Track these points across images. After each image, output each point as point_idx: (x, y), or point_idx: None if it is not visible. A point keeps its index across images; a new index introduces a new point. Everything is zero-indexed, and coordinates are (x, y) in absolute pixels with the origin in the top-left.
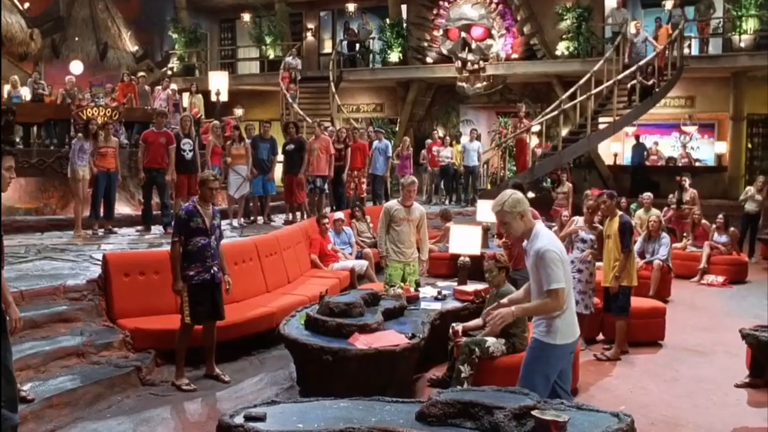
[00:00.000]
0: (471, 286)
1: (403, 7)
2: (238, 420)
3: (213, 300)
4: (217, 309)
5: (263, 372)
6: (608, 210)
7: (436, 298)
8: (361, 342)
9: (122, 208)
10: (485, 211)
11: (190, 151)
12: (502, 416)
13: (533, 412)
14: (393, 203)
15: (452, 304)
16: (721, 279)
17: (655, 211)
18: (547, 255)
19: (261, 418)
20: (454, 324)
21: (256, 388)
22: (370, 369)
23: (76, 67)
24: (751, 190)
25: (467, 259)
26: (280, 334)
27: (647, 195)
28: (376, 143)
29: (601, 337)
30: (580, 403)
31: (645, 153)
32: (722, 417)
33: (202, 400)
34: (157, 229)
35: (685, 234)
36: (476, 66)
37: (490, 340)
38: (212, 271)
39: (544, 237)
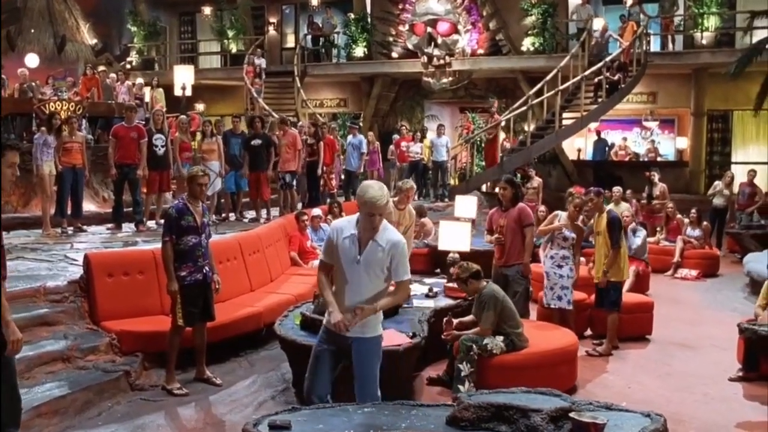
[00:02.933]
0: None
1: (368, 2)
2: (263, 429)
3: (205, 301)
4: (208, 310)
5: (254, 374)
6: (596, 207)
7: (427, 296)
8: None
9: (87, 205)
10: (463, 206)
11: (162, 146)
12: (539, 419)
13: (571, 414)
14: (389, 205)
15: (445, 302)
16: (694, 273)
17: (624, 205)
18: (403, 247)
19: (287, 427)
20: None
21: (249, 391)
22: None
23: (32, 60)
24: (719, 184)
25: (456, 255)
26: (273, 334)
27: (616, 189)
28: (350, 138)
29: (589, 332)
30: (608, 402)
31: (606, 148)
32: (723, 412)
33: (196, 404)
34: (128, 227)
35: (658, 228)
36: (442, 61)
37: (488, 338)
38: (204, 271)
39: (393, 230)
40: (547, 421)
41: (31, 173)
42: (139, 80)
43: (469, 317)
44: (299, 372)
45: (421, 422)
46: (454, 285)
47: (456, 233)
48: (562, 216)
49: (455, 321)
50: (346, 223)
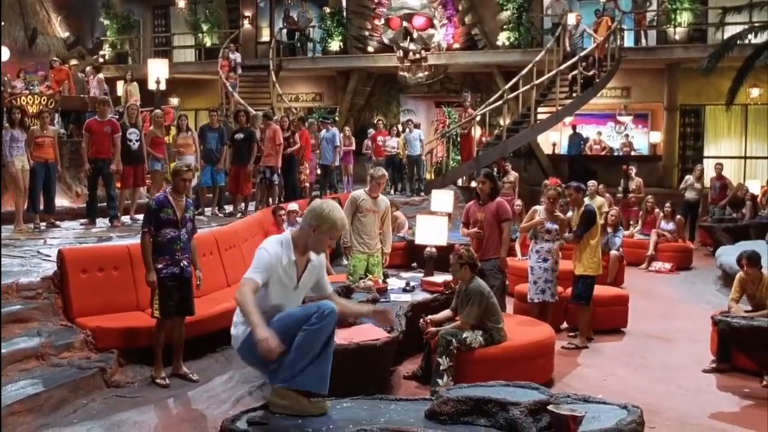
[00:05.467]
0: (438, 277)
1: None
2: (242, 425)
3: (182, 294)
4: (186, 304)
5: (231, 369)
6: (574, 202)
7: (404, 290)
8: (340, 337)
9: (60, 201)
10: (439, 200)
11: (136, 141)
12: (518, 412)
13: (549, 407)
14: (360, 193)
15: (422, 296)
16: (668, 266)
17: (599, 199)
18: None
19: (265, 423)
20: (424, 315)
21: (227, 387)
22: (351, 364)
23: (3, 53)
24: (690, 178)
25: (433, 249)
26: None
27: (591, 183)
28: (323, 133)
29: (565, 325)
30: (585, 395)
31: (581, 143)
32: (698, 403)
33: (173, 400)
34: (102, 222)
35: (632, 222)
36: (417, 55)
37: (467, 332)
38: (182, 265)
39: None
40: (526, 414)
41: (6, 169)
42: (100, 75)
43: (443, 313)
44: None
45: (400, 416)
46: (432, 279)
47: (433, 227)
48: (540, 210)
49: (429, 318)
50: (282, 247)
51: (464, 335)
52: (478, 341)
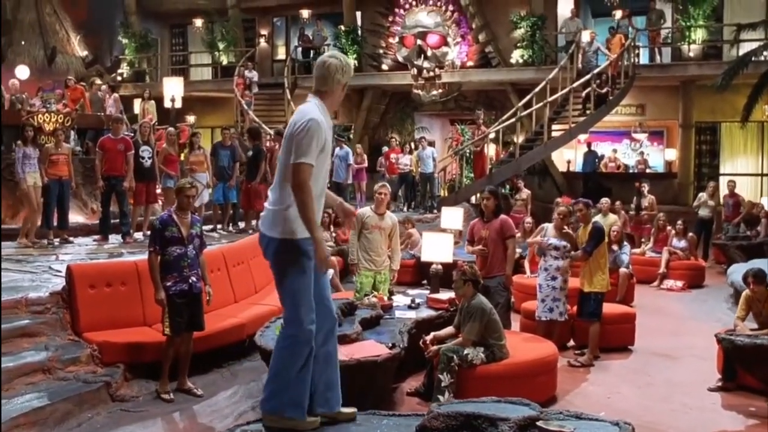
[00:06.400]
0: (444, 294)
1: (358, 14)
2: None
3: (192, 310)
4: (195, 319)
5: (236, 384)
6: (583, 218)
7: (409, 307)
8: (342, 353)
9: (75, 217)
10: (449, 217)
11: (149, 158)
12: (506, 428)
13: (538, 423)
14: (366, 210)
15: (427, 313)
16: (680, 284)
17: (612, 217)
18: None
19: None
20: (424, 335)
21: (230, 402)
22: (351, 380)
23: (23, 71)
24: (703, 196)
25: (439, 266)
26: (255, 346)
27: (605, 200)
28: (337, 150)
29: (572, 343)
30: (578, 412)
31: (596, 160)
32: (700, 421)
33: (176, 415)
34: (115, 239)
35: (643, 240)
36: (432, 73)
37: (468, 349)
38: (190, 281)
39: None
40: (515, 430)
41: (18, 185)
42: (115, 95)
43: (446, 330)
44: None
45: (392, 431)
46: (437, 296)
47: (438, 244)
48: (548, 228)
49: (431, 335)
50: (321, 113)
51: (465, 352)
52: (479, 358)
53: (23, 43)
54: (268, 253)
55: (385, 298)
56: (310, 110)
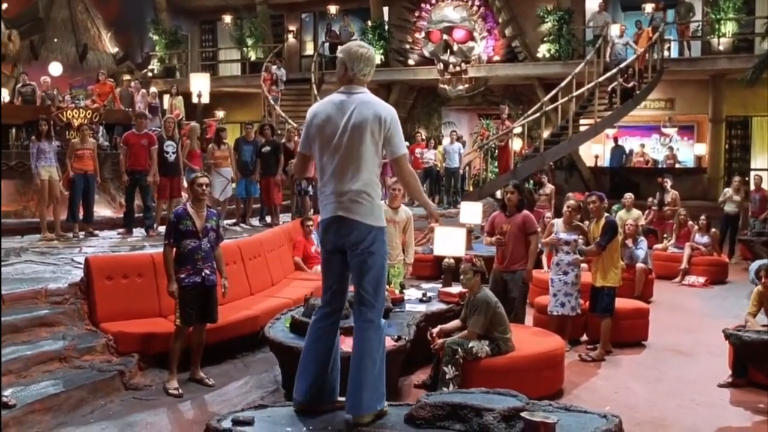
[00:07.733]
0: (456, 288)
1: (385, 10)
2: (226, 424)
3: (204, 302)
4: (208, 311)
5: (248, 375)
6: (597, 211)
7: (421, 300)
8: (348, 345)
9: (103, 211)
10: (468, 212)
11: (173, 153)
12: (491, 418)
13: (522, 414)
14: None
15: (437, 306)
16: (702, 279)
17: (635, 212)
18: None
19: (249, 422)
20: (430, 328)
21: (241, 392)
22: None
23: (56, 68)
24: (729, 191)
25: (452, 260)
26: (264, 337)
27: (628, 195)
28: None
29: (585, 338)
30: (568, 404)
31: (624, 155)
32: (707, 417)
33: (187, 404)
34: (139, 232)
35: (666, 235)
36: (458, 68)
37: (473, 342)
38: (203, 274)
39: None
40: (499, 420)
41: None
42: (153, 89)
43: (453, 323)
44: (288, 373)
45: (381, 420)
46: (448, 289)
47: (451, 238)
48: (558, 222)
49: (438, 328)
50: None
51: (470, 345)
52: (484, 351)
53: (56, 40)
54: (367, 241)
55: (396, 292)
56: (381, 101)
